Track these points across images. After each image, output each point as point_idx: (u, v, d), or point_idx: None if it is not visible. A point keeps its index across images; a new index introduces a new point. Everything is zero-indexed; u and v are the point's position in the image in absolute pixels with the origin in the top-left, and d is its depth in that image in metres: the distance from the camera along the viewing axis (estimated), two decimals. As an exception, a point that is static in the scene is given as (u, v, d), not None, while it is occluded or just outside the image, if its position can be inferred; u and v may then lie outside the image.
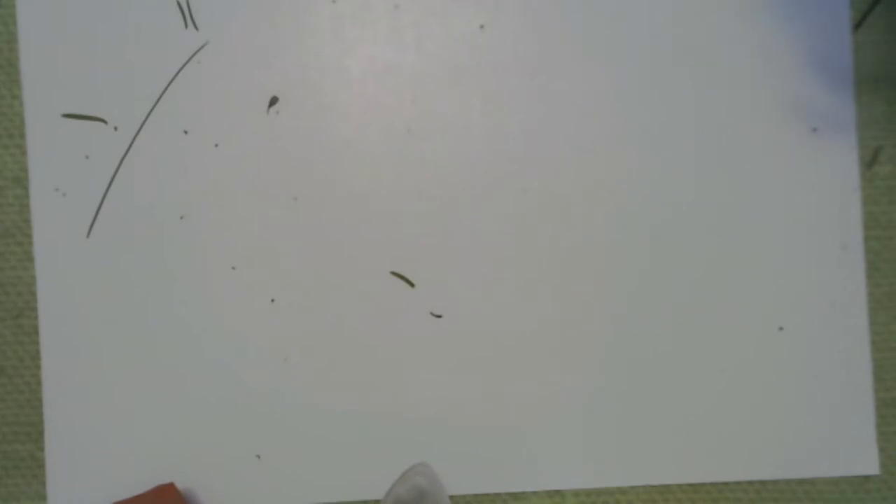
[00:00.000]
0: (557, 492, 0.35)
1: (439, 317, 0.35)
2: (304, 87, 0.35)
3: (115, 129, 0.35)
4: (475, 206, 0.35)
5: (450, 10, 0.35)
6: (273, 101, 0.35)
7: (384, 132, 0.35)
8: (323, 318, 0.35)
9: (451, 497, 0.35)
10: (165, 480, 0.35)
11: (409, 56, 0.35)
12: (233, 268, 0.35)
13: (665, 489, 0.35)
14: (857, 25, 0.35)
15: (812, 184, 0.35)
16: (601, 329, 0.35)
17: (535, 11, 0.35)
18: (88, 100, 0.35)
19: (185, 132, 0.35)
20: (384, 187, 0.35)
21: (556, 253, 0.35)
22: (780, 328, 0.35)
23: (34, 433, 0.35)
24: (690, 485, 0.35)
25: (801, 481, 0.35)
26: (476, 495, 0.35)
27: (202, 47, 0.35)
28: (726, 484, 0.35)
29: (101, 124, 0.35)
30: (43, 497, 0.35)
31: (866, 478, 0.35)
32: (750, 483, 0.35)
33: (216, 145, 0.35)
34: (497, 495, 0.35)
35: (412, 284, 0.35)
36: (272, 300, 0.35)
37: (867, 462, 0.35)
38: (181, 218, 0.35)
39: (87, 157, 0.35)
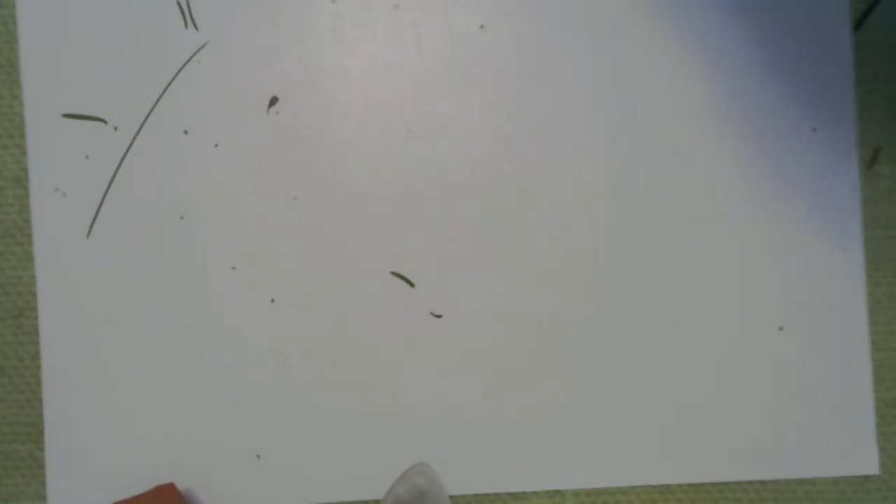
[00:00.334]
0: (557, 492, 0.35)
1: (439, 317, 0.35)
2: (304, 87, 0.35)
3: (115, 129, 0.35)
4: (475, 206, 0.35)
5: (450, 10, 0.35)
6: (273, 101, 0.35)
7: (384, 132, 0.35)
8: (323, 318, 0.35)
9: (451, 497, 0.35)
10: (165, 480, 0.35)
11: (409, 56, 0.35)
12: (233, 268, 0.35)
13: (665, 489, 0.35)
14: (857, 25, 0.35)
15: (812, 184, 0.35)
16: (601, 329, 0.35)
17: (535, 11, 0.35)
18: (88, 100, 0.35)
19: (185, 132, 0.35)
20: (384, 187, 0.35)
21: (556, 253, 0.35)
22: (780, 328, 0.35)
23: (34, 433, 0.35)
24: (690, 485, 0.35)
25: (801, 481, 0.35)
26: (476, 495, 0.35)
27: (202, 47, 0.35)
28: (726, 484, 0.35)
29: (101, 124, 0.35)
30: (43, 497, 0.35)
31: (866, 478, 0.35)
32: (750, 483, 0.35)
33: (216, 145, 0.35)
34: (497, 495, 0.35)
35: (412, 284, 0.35)
36: (272, 300, 0.35)
37: (867, 462, 0.35)
38: (181, 218, 0.35)
39: (87, 157, 0.35)
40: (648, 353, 0.35)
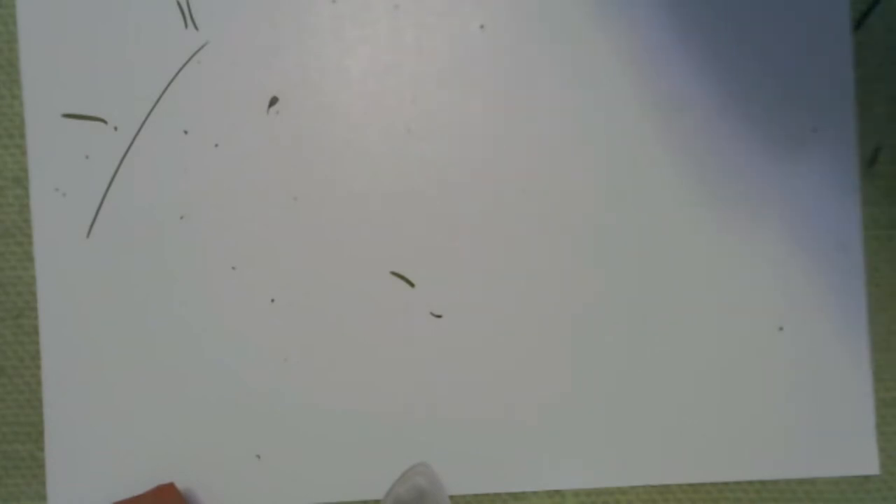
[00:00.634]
0: (557, 492, 0.35)
1: (439, 317, 0.35)
2: (304, 87, 0.35)
3: (115, 129, 0.35)
4: (475, 206, 0.35)
5: (450, 10, 0.35)
6: (273, 101, 0.35)
7: (384, 132, 0.35)
8: (323, 318, 0.35)
9: (451, 497, 0.35)
10: (165, 480, 0.35)
11: (409, 56, 0.35)
12: (233, 268, 0.35)
13: (665, 489, 0.35)
14: (857, 25, 0.35)
15: (812, 184, 0.35)
16: (601, 329, 0.35)
17: (535, 11, 0.35)
18: (88, 100, 0.35)
19: (185, 132, 0.35)
20: (384, 187, 0.35)
21: (556, 253, 0.35)
22: (780, 328, 0.35)
23: (34, 433, 0.35)
24: (690, 485, 0.35)
25: (801, 481, 0.35)
26: (476, 495, 0.35)
27: (202, 47, 0.35)
28: (726, 484, 0.35)
29: (101, 124, 0.35)
30: (43, 497, 0.35)
31: (866, 478, 0.35)
32: (750, 483, 0.35)
33: (216, 145, 0.35)
34: (497, 495, 0.35)
35: (412, 284, 0.35)
36: (272, 300, 0.35)
37: (867, 462, 0.35)
38: (181, 218, 0.35)
39: (87, 157, 0.35)
40: (648, 352, 0.35)
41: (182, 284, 0.35)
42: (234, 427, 0.35)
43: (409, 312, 0.35)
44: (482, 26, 0.35)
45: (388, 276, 0.35)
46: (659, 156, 0.35)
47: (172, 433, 0.35)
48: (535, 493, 0.35)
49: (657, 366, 0.35)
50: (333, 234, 0.35)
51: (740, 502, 0.35)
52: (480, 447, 0.35)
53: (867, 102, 0.35)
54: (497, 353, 0.35)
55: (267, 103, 0.35)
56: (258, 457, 0.35)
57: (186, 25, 0.35)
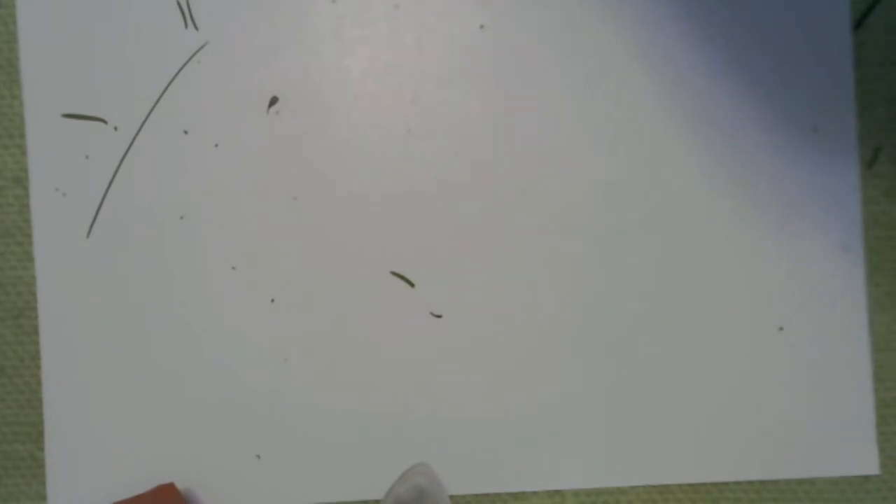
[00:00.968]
0: (557, 492, 0.35)
1: (439, 317, 0.35)
2: (304, 87, 0.35)
3: (115, 129, 0.35)
4: (475, 207, 0.35)
5: (450, 10, 0.35)
6: (273, 101, 0.35)
7: (384, 132, 0.35)
8: (323, 318, 0.35)
9: (451, 497, 0.35)
10: (165, 480, 0.35)
11: (409, 56, 0.35)
12: (233, 268, 0.35)
13: (665, 489, 0.35)
14: (857, 25, 0.35)
15: (812, 184, 0.35)
16: (601, 329, 0.35)
17: (535, 11, 0.35)
18: (88, 100, 0.35)
19: (185, 132, 0.35)
20: (384, 187, 0.35)
21: (556, 252, 0.35)
22: (780, 328, 0.35)
23: (34, 433, 0.35)
24: (690, 485, 0.35)
25: (801, 481, 0.35)
26: (476, 495, 0.35)
27: (202, 47, 0.35)
28: (726, 484, 0.35)
29: (101, 124, 0.35)
30: (43, 497, 0.35)
31: (866, 478, 0.35)
32: (750, 483, 0.35)
33: (216, 145, 0.35)
34: (497, 495, 0.35)
35: (412, 284, 0.35)
36: (272, 300, 0.35)
37: (867, 462, 0.35)
38: (181, 218, 0.35)
39: (87, 157, 0.35)
40: (648, 352, 0.35)
41: (182, 284, 0.35)
42: (234, 427, 0.35)
43: (409, 312, 0.35)
44: (482, 26, 0.35)
45: (388, 276, 0.35)
46: (659, 156, 0.35)
47: (172, 433, 0.35)
48: (535, 493, 0.35)
49: (657, 366, 0.35)
50: (333, 234, 0.35)
51: (740, 502, 0.35)
52: (480, 447, 0.35)
53: (867, 102, 0.35)
54: (497, 353, 0.35)
55: (267, 103, 0.35)
56: (258, 457, 0.35)
57: (186, 25, 0.35)
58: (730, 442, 0.35)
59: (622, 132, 0.35)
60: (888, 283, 0.35)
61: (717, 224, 0.35)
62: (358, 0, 0.35)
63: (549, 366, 0.35)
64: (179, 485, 0.35)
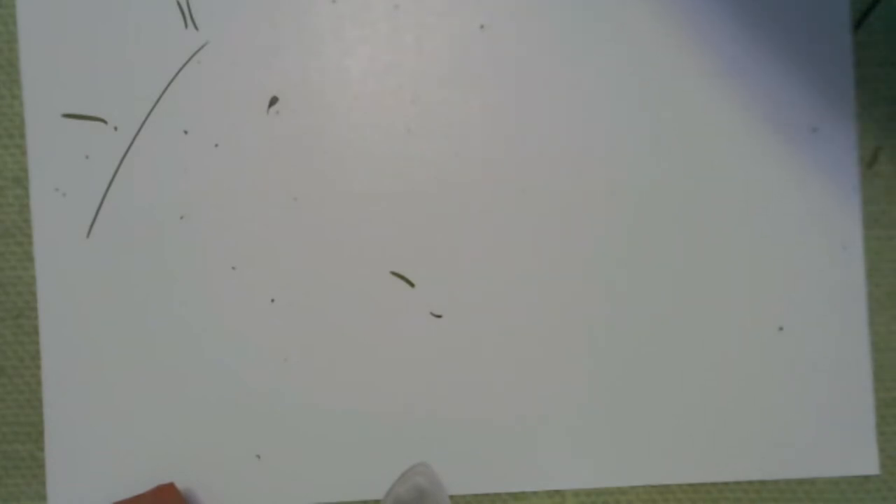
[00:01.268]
0: (557, 492, 0.35)
1: (439, 317, 0.35)
2: (304, 87, 0.35)
3: (115, 129, 0.35)
4: (475, 207, 0.35)
5: (450, 10, 0.35)
6: (273, 101, 0.35)
7: (384, 132, 0.35)
8: (323, 318, 0.35)
9: (451, 497, 0.35)
10: (165, 480, 0.35)
11: (409, 56, 0.35)
12: (233, 268, 0.35)
13: (665, 489, 0.35)
14: (857, 25, 0.35)
15: (812, 184, 0.35)
16: (601, 329, 0.35)
17: (535, 11, 0.35)
18: (88, 100, 0.35)
19: (185, 132, 0.35)
20: (384, 187, 0.35)
21: (556, 253, 0.35)
22: (780, 328, 0.35)
23: (34, 433, 0.35)
24: (690, 485, 0.35)
25: (801, 481, 0.35)
26: (476, 495, 0.35)
27: (202, 47, 0.35)
28: (726, 484, 0.35)
29: (101, 124, 0.35)
30: (43, 497, 0.35)
31: (866, 478, 0.35)
32: (750, 483, 0.35)
33: (216, 145, 0.35)
34: (497, 495, 0.35)
35: (412, 284, 0.35)
36: (272, 300, 0.35)
37: (867, 462, 0.35)
38: (181, 218, 0.35)
39: (87, 157, 0.35)
40: (648, 352, 0.35)
41: (182, 284, 0.35)
42: (234, 427, 0.35)
43: (409, 312, 0.35)
44: (482, 26, 0.35)
45: (388, 276, 0.35)
46: (659, 156, 0.35)
47: (172, 433, 0.35)
48: (535, 493, 0.35)
49: (657, 366, 0.35)
50: (333, 234, 0.35)
51: (740, 502, 0.35)
52: (480, 447, 0.35)
53: (867, 102, 0.35)
54: (497, 353, 0.35)
55: (267, 103, 0.35)
56: (258, 457, 0.35)
57: (186, 25, 0.35)
58: (730, 442, 0.35)
59: (622, 132, 0.35)
60: (888, 283, 0.35)
61: (717, 224, 0.35)
62: (358, 0, 0.35)
63: (549, 366, 0.35)
64: (179, 485, 0.35)
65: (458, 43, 0.35)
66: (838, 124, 0.35)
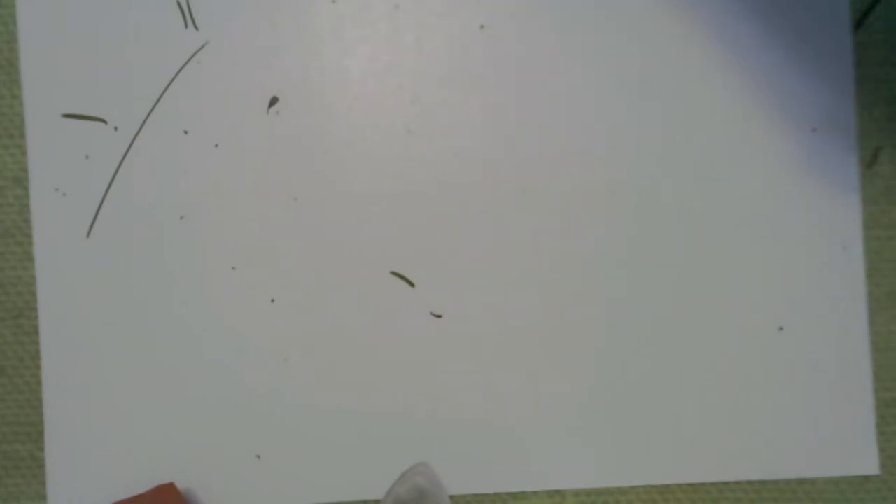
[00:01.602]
0: (557, 492, 0.35)
1: (439, 317, 0.35)
2: (304, 87, 0.35)
3: (115, 129, 0.35)
4: (475, 207, 0.35)
5: (450, 10, 0.35)
6: (273, 101, 0.35)
7: (384, 132, 0.35)
8: (323, 318, 0.35)
9: (451, 497, 0.35)
10: (165, 480, 0.35)
11: (409, 56, 0.35)
12: (233, 268, 0.35)
13: (665, 489, 0.35)
14: (857, 25, 0.35)
15: (812, 184, 0.35)
16: (602, 329, 0.35)
17: (535, 11, 0.35)
18: (88, 100, 0.35)
19: (185, 132, 0.35)
20: (384, 187, 0.35)
21: (556, 253, 0.35)
22: (780, 328, 0.35)
23: (34, 433, 0.35)
24: (690, 485, 0.35)
25: (801, 481, 0.35)
26: (476, 495, 0.35)
27: (202, 47, 0.35)
28: (726, 484, 0.35)
29: (101, 124, 0.35)
30: (43, 497, 0.35)
31: (866, 478, 0.35)
32: (750, 483, 0.35)
33: (216, 145, 0.35)
34: (497, 495, 0.35)
35: (412, 284, 0.35)
36: (272, 300, 0.35)
37: (867, 462, 0.35)
38: (181, 218, 0.35)
39: (87, 157, 0.35)
40: (648, 352, 0.35)
41: (182, 284, 0.35)
42: (234, 427, 0.35)
43: (409, 312, 0.35)
44: (482, 26, 0.35)
45: (388, 276, 0.35)
46: (659, 156, 0.35)
47: (172, 433, 0.35)
48: (535, 493, 0.35)
49: (657, 366, 0.35)
50: (333, 234, 0.35)
51: (740, 502, 0.35)
52: (480, 447, 0.35)
53: (867, 102, 0.35)
54: (497, 353, 0.35)
55: (267, 103, 0.35)
56: (258, 457, 0.35)
57: (186, 25, 0.35)
58: (730, 442, 0.35)
59: (622, 132, 0.35)
60: (888, 283, 0.35)
61: (717, 224, 0.35)
62: (358, 0, 0.35)
63: (549, 366, 0.35)
64: (179, 485, 0.35)
65: (458, 43, 0.35)
66: (838, 124, 0.35)
